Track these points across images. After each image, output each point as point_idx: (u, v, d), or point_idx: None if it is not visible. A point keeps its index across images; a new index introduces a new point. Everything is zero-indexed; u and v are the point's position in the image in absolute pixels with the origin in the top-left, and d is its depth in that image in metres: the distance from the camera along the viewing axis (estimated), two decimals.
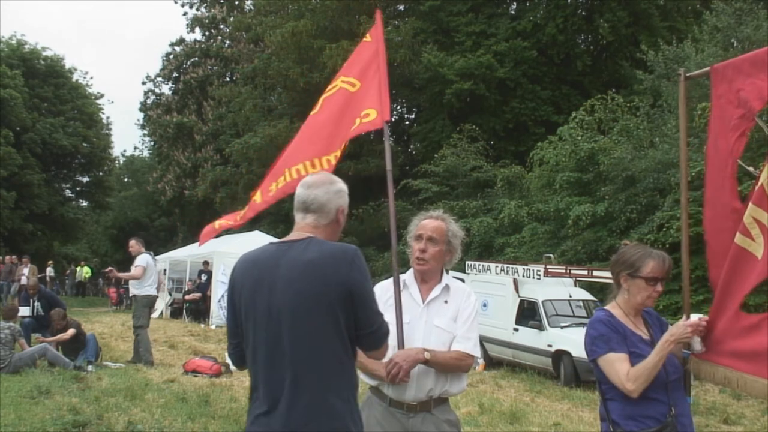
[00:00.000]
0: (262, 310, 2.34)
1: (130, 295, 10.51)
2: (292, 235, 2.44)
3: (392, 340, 2.91)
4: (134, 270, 10.18)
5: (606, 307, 2.80)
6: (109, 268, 10.65)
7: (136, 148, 51.96)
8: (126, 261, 40.63)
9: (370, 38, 3.84)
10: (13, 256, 25.01)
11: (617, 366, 2.59)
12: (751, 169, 2.70)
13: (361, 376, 3.10)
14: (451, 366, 2.89)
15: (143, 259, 10.29)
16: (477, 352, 2.98)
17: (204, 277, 19.03)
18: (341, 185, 2.55)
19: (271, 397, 2.31)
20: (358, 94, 3.68)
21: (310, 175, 2.61)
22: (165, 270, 20.95)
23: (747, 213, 2.56)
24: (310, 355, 2.28)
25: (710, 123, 2.85)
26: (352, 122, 3.59)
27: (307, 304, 2.28)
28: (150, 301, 10.50)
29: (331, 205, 2.46)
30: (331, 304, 2.27)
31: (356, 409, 2.35)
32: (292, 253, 2.36)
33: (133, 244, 10.54)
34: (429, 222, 3.03)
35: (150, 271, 10.27)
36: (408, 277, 3.08)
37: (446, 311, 2.97)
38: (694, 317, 2.69)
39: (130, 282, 10.34)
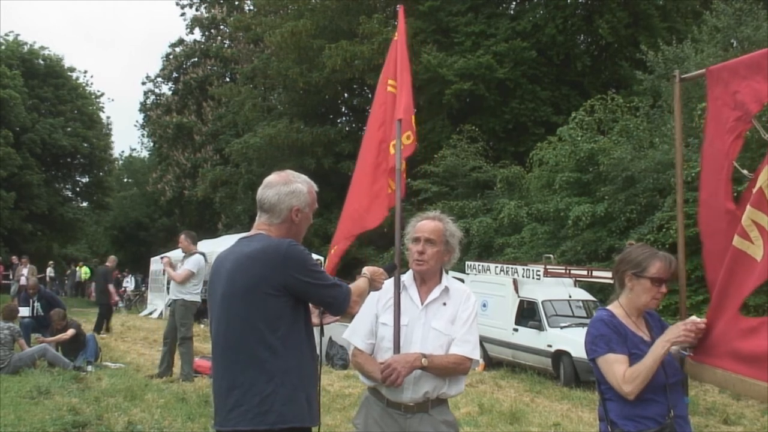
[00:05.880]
0: (214, 299, 2.60)
1: (174, 298, 8.75)
2: (250, 232, 2.65)
3: (388, 342, 2.91)
4: (180, 271, 8.68)
5: (608, 308, 2.78)
6: (164, 257, 9.19)
7: (140, 146, 51.85)
8: (127, 262, 40.70)
9: (397, 36, 3.84)
10: (14, 257, 25.01)
11: (615, 367, 2.58)
12: (744, 171, 2.68)
13: (359, 377, 3.11)
14: (449, 370, 2.88)
15: (195, 262, 8.76)
16: (476, 354, 2.97)
17: None
18: (298, 186, 2.64)
19: (216, 378, 2.57)
20: (396, 96, 3.68)
21: (272, 174, 2.71)
22: (164, 271, 20.89)
23: (745, 216, 2.53)
24: (239, 340, 2.48)
25: (706, 125, 2.84)
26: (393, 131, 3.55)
27: (238, 294, 2.48)
28: (195, 309, 8.96)
29: (282, 206, 2.60)
30: (261, 295, 2.44)
31: (294, 393, 2.45)
32: (238, 248, 2.60)
33: (182, 240, 8.96)
34: (426, 223, 3.02)
35: (201, 275, 8.77)
36: (407, 278, 3.06)
37: (444, 313, 2.96)
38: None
39: (175, 284, 8.80)
